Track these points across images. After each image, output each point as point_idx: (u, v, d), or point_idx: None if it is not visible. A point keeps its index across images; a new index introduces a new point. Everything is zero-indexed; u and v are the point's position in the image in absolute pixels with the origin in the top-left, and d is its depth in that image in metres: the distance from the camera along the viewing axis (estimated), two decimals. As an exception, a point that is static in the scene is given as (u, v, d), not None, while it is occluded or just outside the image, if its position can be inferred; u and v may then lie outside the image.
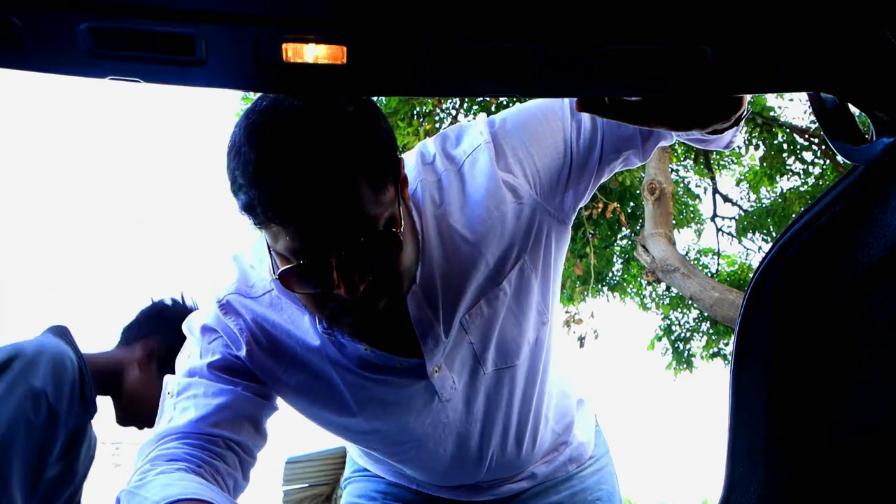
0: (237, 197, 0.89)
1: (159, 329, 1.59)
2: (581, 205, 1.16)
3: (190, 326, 1.13)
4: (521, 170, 1.09)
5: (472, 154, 1.09)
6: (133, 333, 1.61)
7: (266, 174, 0.86)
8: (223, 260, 1.17)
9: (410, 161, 1.10)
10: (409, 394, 1.15)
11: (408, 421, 1.19)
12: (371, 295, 0.93)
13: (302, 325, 1.09)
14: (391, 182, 0.93)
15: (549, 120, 1.09)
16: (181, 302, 1.64)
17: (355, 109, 0.90)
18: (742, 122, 0.94)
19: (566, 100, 1.09)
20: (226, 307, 1.09)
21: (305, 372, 1.11)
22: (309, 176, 0.85)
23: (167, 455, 0.99)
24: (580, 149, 1.09)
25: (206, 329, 1.10)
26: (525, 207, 1.09)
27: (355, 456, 1.51)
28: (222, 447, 1.03)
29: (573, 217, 1.16)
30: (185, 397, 1.05)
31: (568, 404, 1.42)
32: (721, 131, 0.91)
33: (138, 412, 1.56)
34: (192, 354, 1.09)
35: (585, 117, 1.09)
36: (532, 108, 1.11)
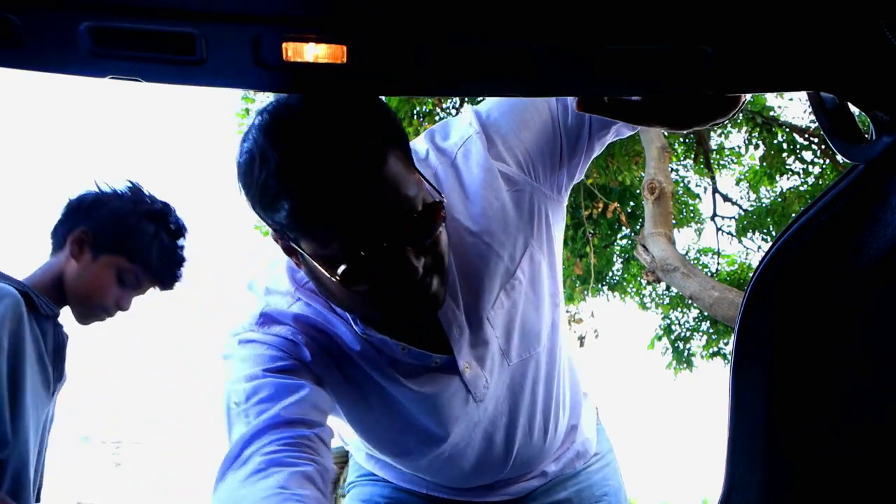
0: (276, 209, 0.87)
1: (80, 219, 1.59)
2: (576, 181, 1.16)
3: (234, 348, 1.07)
4: (514, 157, 1.08)
5: (463, 145, 1.08)
6: (60, 235, 1.61)
7: (309, 172, 0.84)
8: (240, 294, 1.15)
9: None
10: (445, 398, 1.14)
11: (445, 427, 1.17)
12: (426, 275, 0.93)
13: (339, 331, 1.08)
14: (412, 162, 0.93)
15: (535, 104, 1.09)
16: (96, 187, 1.64)
17: (360, 99, 0.89)
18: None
19: None
20: (265, 317, 1.06)
21: (355, 374, 1.10)
22: (351, 163, 0.84)
23: (271, 459, 0.93)
24: (569, 128, 1.09)
25: (249, 342, 1.05)
26: (523, 194, 1.09)
27: (360, 460, 1.49)
28: (314, 440, 0.99)
29: (568, 193, 1.16)
30: (255, 401, 0.99)
31: (576, 391, 1.41)
32: (725, 119, 0.90)
33: (90, 301, 1.58)
34: (245, 366, 1.04)
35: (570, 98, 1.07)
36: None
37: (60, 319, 1.61)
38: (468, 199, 1.07)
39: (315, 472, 0.93)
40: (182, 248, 1.65)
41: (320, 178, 0.84)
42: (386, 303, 0.96)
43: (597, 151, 1.14)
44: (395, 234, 0.87)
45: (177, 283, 1.67)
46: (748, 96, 0.90)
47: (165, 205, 1.65)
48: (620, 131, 1.11)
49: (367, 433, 1.24)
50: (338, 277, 0.90)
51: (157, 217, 1.62)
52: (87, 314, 1.59)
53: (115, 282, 1.57)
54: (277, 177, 0.85)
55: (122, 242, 1.57)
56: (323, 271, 0.91)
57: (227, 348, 1.09)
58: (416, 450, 1.23)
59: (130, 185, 1.64)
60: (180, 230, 1.65)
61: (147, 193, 1.66)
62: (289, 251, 0.99)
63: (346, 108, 0.87)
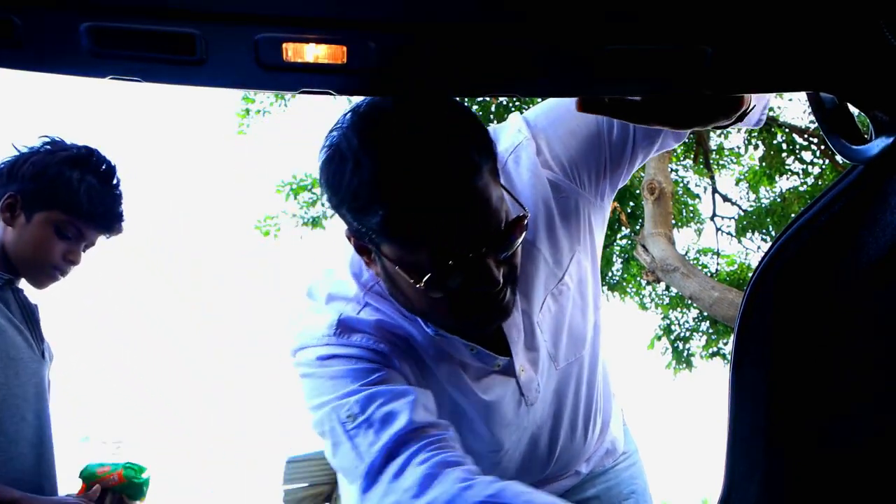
0: (368, 213, 0.87)
1: (7, 184, 1.56)
2: (619, 188, 1.18)
3: (313, 366, 1.06)
4: (560, 164, 1.10)
5: (514, 151, 1.10)
6: None
7: (407, 181, 0.84)
8: (298, 302, 1.14)
9: None
10: (503, 405, 1.15)
11: (499, 436, 1.18)
12: (502, 286, 0.94)
13: (412, 334, 1.08)
14: (498, 175, 0.95)
15: (583, 114, 1.10)
16: (15, 151, 1.60)
17: (451, 105, 0.90)
18: (760, 104, 0.94)
19: None
20: (343, 325, 1.05)
21: (430, 381, 1.10)
22: (449, 175, 0.85)
23: (439, 461, 0.93)
24: (614, 140, 1.10)
25: (331, 357, 1.04)
26: (569, 201, 1.11)
27: None
28: (454, 439, 0.99)
29: (611, 200, 1.18)
30: (372, 411, 0.98)
31: (608, 391, 1.43)
32: (730, 125, 0.91)
33: (36, 262, 1.54)
34: (338, 384, 1.02)
35: None
36: (566, 104, 1.11)
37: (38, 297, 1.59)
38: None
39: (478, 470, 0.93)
40: (116, 187, 1.60)
41: (416, 190, 0.84)
42: (462, 310, 0.97)
43: (640, 162, 1.15)
44: (482, 245, 0.89)
45: (122, 226, 1.62)
46: (753, 101, 0.90)
47: (86, 148, 1.60)
48: (666, 143, 1.13)
49: None
50: (422, 285, 0.91)
51: (79, 162, 1.57)
52: (39, 276, 1.56)
53: (55, 237, 1.53)
54: (372, 184, 0.85)
55: (50, 195, 1.52)
56: (405, 276, 0.92)
57: (302, 367, 1.07)
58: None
59: (47, 139, 1.60)
60: (109, 170, 1.60)
61: (67, 143, 1.61)
62: (362, 251, 1.00)
63: (440, 115, 0.87)
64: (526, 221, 0.94)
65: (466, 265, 0.90)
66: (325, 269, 1.15)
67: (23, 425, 1.45)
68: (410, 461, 0.94)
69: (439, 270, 0.90)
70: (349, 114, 0.91)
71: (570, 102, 1.08)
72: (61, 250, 1.55)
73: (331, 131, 0.92)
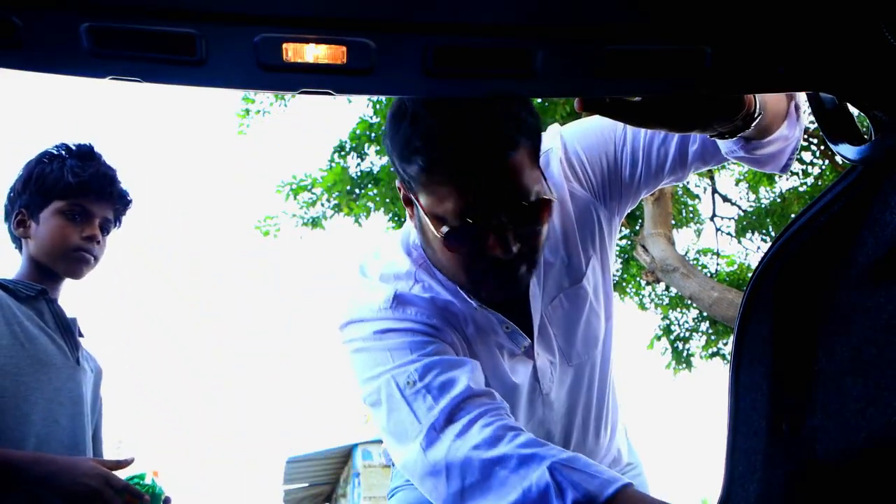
0: (411, 161, 0.99)
1: (11, 211, 1.65)
2: (631, 207, 1.26)
3: (370, 340, 1.13)
4: (576, 176, 1.19)
5: (545, 154, 1.17)
6: (12, 235, 1.67)
7: (448, 138, 0.95)
8: (352, 281, 1.23)
9: None
10: (523, 392, 1.22)
11: (517, 416, 1.23)
12: (517, 260, 1.03)
13: (457, 310, 1.15)
14: (538, 160, 1.04)
15: (610, 138, 1.19)
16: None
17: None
18: (796, 147, 1.04)
19: None
20: (399, 299, 1.14)
21: (469, 342, 1.17)
22: (486, 142, 0.95)
23: (502, 426, 1.00)
24: (625, 161, 1.18)
25: (387, 331, 1.12)
26: (587, 212, 1.20)
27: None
28: (507, 409, 1.07)
29: (622, 217, 1.27)
30: (431, 378, 1.05)
31: (615, 399, 1.47)
32: (732, 135, 0.94)
33: (60, 252, 1.60)
34: (396, 355, 1.10)
35: (638, 132, 1.17)
36: (594, 121, 1.21)
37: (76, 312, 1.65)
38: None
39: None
40: (99, 159, 1.68)
41: (454, 147, 0.95)
42: (475, 271, 1.06)
43: (653, 185, 1.21)
44: (503, 213, 0.98)
45: (123, 192, 1.69)
46: (756, 105, 0.90)
47: (58, 144, 1.69)
48: (677, 172, 1.18)
49: None
50: (441, 235, 1.00)
51: (55, 154, 1.66)
52: (70, 265, 1.62)
53: (65, 223, 1.61)
54: (420, 135, 0.96)
55: (43, 192, 1.61)
56: (431, 227, 1.02)
57: (357, 341, 1.14)
58: None
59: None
60: (85, 147, 1.68)
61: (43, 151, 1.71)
62: (407, 202, 1.10)
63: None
64: (552, 208, 1.03)
65: (484, 226, 0.99)
66: (373, 249, 1.23)
67: (55, 428, 1.49)
68: (474, 423, 1.00)
69: (459, 227, 0.98)
70: None
71: (601, 121, 1.18)
72: (77, 233, 1.61)
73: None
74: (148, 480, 1.44)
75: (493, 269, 1.04)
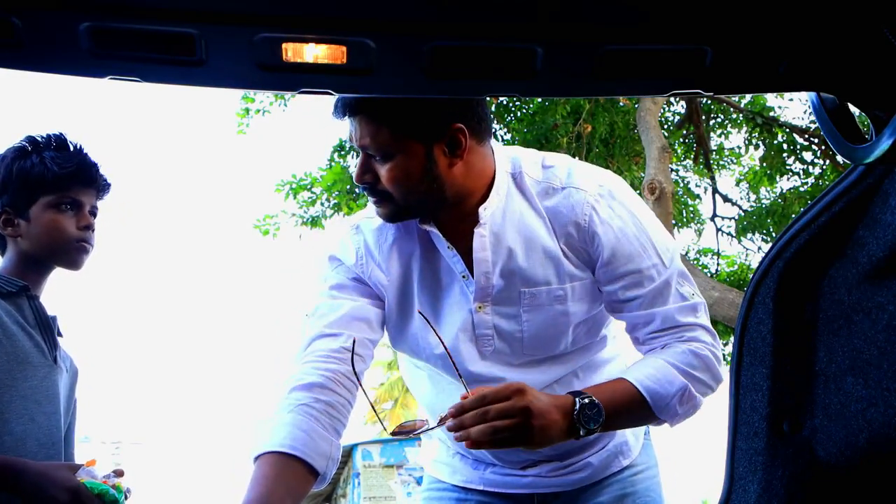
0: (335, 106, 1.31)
1: None
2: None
3: (321, 256, 1.48)
4: (578, 229, 1.33)
5: (574, 189, 1.33)
6: None
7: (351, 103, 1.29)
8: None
9: (530, 156, 1.40)
10: (457, 338, 1.37)
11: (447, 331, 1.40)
12: (372, 191, 1.32)
13: (400, 233, 1.42)
14: (414, 139, 1.26)
15: (633, 252, 1.32)
16: None
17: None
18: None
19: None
20: (356, 228, 1.45)
21: (400, 262, 1.41)
22: (373, 103, 1.25)
23: (298, 383, 1.30)
24: (605, 276, 1.34)
25: (331, 258, 1.45)
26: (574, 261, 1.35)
27: (427, 467, 1.67)
28: (343, 345, 1.33)
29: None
30: (313, 316, 1.39)
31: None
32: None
33: (58, 245, 1.61)
34: (321, 280, 1.44)
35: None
36: (640, 233, 1.33)
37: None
38: (543, 218, 1.34)
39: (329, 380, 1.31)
40: (74, 147, 1.67)
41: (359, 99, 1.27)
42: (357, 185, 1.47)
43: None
44: (361, 152, 1.30)
45: (104, 177, 1.69)
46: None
47: (25, 138, 1.68)
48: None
49: (402, 338, 1.48)
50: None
51: (27, 149, 1.64)
52: (69, 256, 1.62)
53: (58, 215, 1.60)
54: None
55: (28, 189, 1.60)
56: None
57: (324, 250, 1.49)
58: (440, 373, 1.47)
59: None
60: (58, 137, 1.67)
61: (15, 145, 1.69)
62: None
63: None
64: (374, 163, 1.29)
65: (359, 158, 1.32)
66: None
67: (31, 426, 1.48)
68: (301, 365, 1.36)
69: (351, 149, 1.41)
70: None
71: (640, 241, 1.32)
72: (72, 224, 1.61)
73: None
74: (112, 483, 1.42)
75: (368, 192, 1.35)
